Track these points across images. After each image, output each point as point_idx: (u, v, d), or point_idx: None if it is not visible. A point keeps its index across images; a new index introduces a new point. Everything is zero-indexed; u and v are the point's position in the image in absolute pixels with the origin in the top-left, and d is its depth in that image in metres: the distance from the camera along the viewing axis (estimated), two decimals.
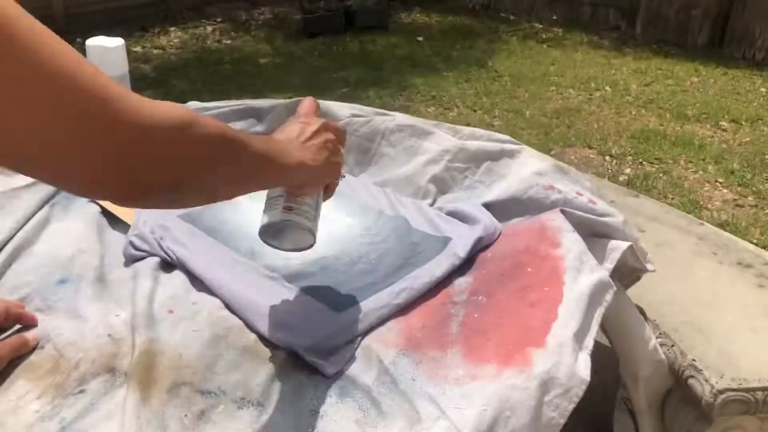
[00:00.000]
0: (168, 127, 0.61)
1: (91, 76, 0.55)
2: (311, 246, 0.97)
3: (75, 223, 1.27)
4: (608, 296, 1.13)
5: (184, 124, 0.62)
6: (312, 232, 0.94)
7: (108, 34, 2.34)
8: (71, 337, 0.99)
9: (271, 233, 0.94)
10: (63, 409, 0.86)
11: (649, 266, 1.27)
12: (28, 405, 0.87)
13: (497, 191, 1.35)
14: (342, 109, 1.65)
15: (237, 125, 1.65)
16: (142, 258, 1.18)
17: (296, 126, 0.89)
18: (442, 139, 1.48)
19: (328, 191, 0.99)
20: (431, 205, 1.38)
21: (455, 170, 1.42)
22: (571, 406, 0.93)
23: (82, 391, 0.89)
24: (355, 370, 0.95)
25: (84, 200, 1.34)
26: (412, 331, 1.02)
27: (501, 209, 1.32)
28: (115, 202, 0.64)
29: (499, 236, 1.25)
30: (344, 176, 0.87)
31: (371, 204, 1.37)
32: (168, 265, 1.17)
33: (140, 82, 4.71)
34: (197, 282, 1.12)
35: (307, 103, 0.99)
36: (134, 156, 0.59)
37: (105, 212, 1.32)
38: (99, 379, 0.91)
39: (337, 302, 1.06)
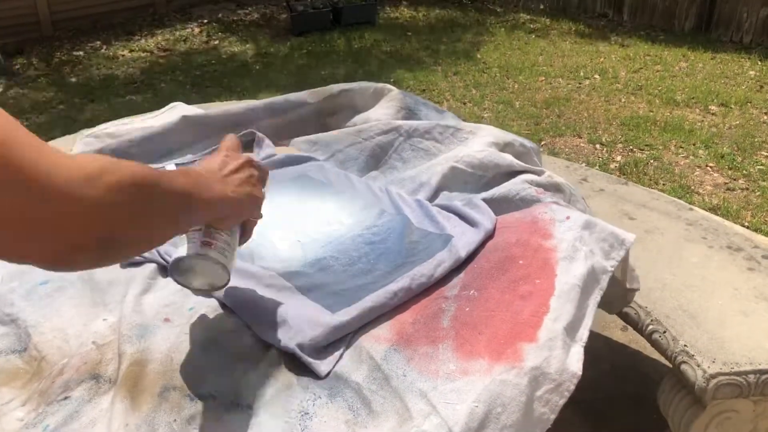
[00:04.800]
0: (75, 184, 0.58)
1: None
2: (225, 285, 0.92)
3: None
4: (603, 283, 1.13)
5: (91, 177, 0.59)
6: (227, 270, 0.90)
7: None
8: (54, 340, 0.98)
9: (183, 268, 0.89)
10: (47, 416, 0.86)
11: (633, 284, 1.29)
12: (12, 412, 0.87)
13: (491, 192, 1.35)
14: (389, 107, 1.65)
15: (265, 123, 1.65)
16: (139, 263, 1.17)
17: (218, 159, 0.87)
18: (450, 158, 1.46)
19: (246, 233, 0.96)
20: (430, 200, 1.38)
21: (459, 171, 1.42)
22: (563, 401, 0.93)
23: (66, 398, 0.89)
24: (345, 368, 0.95)
25: None
26: (404, 326, 1.02)
27: (491, 205, 1.32)
28: (46, 268, 0.61)
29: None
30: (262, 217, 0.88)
31: (373, 203, 1.36)
32: (165, 269, 1.16)
33: (129, 87, 4.69)
34: None
35: (229, 139, 0.95)
36: (46, 220, 0.56)
37: None
38: (83, 386, 0.91)
39: (334, 303, 1.06)
